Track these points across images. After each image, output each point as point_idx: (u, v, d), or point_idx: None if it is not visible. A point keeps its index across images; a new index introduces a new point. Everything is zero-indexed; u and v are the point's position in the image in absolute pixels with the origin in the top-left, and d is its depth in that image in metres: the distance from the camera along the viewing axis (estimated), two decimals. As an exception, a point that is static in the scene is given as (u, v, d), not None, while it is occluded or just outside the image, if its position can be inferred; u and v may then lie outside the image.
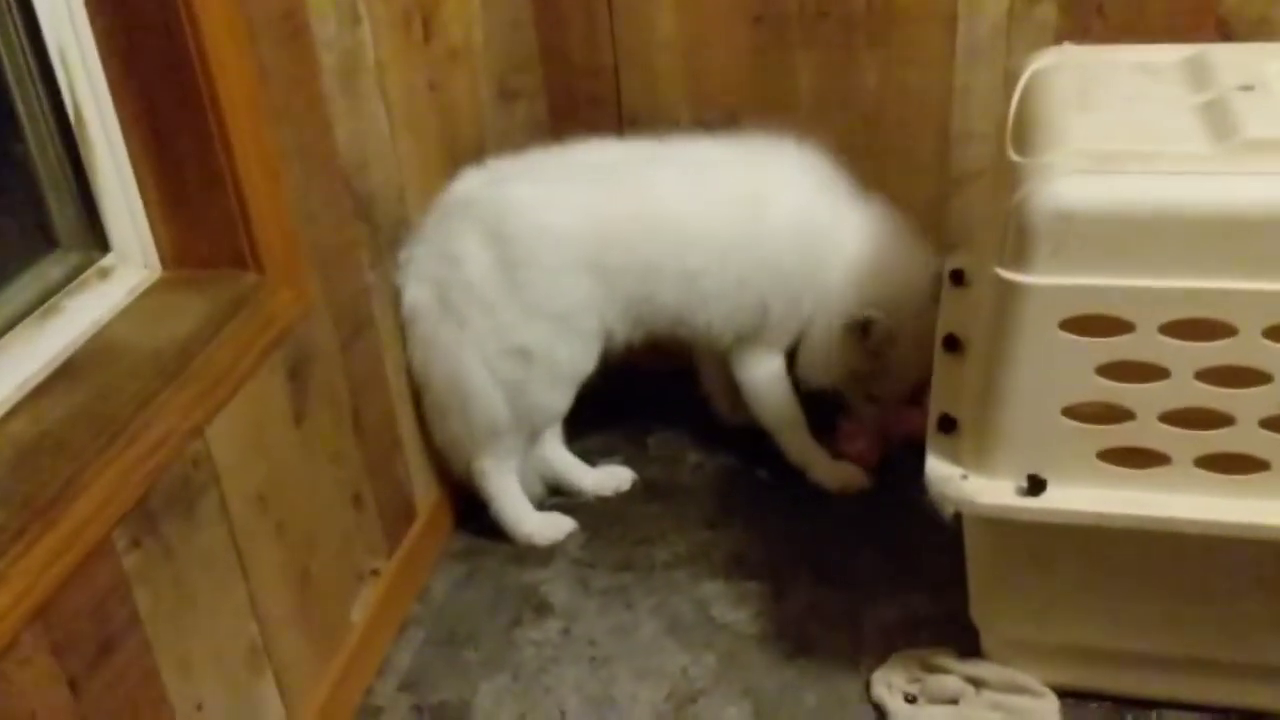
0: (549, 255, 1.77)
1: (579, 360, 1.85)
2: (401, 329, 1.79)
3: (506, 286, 1.76)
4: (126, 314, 1.34)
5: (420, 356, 1.80)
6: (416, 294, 1.77)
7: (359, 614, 1.66)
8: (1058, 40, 1.79)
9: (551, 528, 1.94)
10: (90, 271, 1.35)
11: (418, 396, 1.85)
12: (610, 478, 2.03)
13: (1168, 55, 1.52)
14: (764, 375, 1.96)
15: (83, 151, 1.32)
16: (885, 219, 1.88)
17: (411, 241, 1.78)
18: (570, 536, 1.92)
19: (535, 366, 1.81)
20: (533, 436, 1.94)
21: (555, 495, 2.02)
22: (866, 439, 1.99)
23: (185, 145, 1.32)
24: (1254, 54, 1.47)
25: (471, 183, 1.84)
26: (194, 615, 1.29)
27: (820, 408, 2.00)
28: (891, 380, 1.90)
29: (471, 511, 1.98)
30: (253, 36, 1.36)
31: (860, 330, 1.83)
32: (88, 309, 1.32)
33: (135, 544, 1.19)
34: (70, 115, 1.30)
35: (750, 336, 1.92)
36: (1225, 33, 1.83)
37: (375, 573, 1.71)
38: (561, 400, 1.89)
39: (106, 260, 1.37)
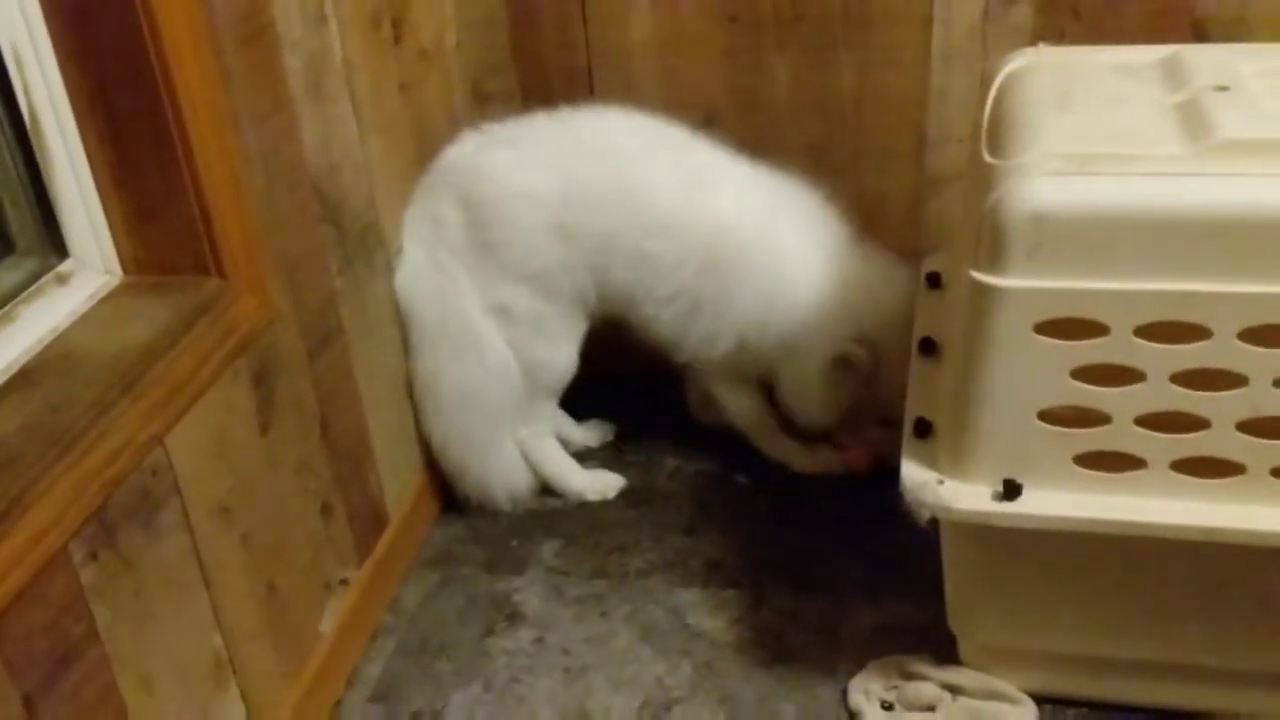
0: (518, 216, 1.81)
1: (564, 318, 1.87)
2: (398, 313, 1.83)
3: (481, 248, 1.82)
4: (85, 321, 1.31)
5: (433, 314, 1.83)
6: (412, 256, 1.83)
7: (328, 624, 1.63)
8: (1034, 42, 1.77)
9: (601, 483, 1.99)
10: (48, 277, 1.32)
11: (407, 385, 1.86)
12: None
13: (1144, 56, 1.51)
14: (730, 390, 1.98)
15: (38, 153, 1.29)
16: (865, 251, 1.87)
17: (408, 204, 1.85)
18: (545, 544, 1.90)
19: (519, 325, 1.85)
20: (552, 395, 1.96)
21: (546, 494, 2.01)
22: (861, 447, 1.96)
23: (145, 148, 1.29)
24: (1229, 54, 1.46)
25: (461, 147, 1.88)
26: (155, 629, 1.26)
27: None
28: (891, 399, 1.85)
29: (444, 519, 1.96)
30: (214, 37, 1.33)
31: (845, 365, 1.82)
32: (45, 316, 1.29)
33: (92, 556, 1.16)
34: (25, 116, 1.27)
35: (705, 363, 1.90)
36: (1201, 34, 1.82)
37: (345, 582, 1.68)
38: (560, 355, 1.90)
39: (65, 266, 1.34)
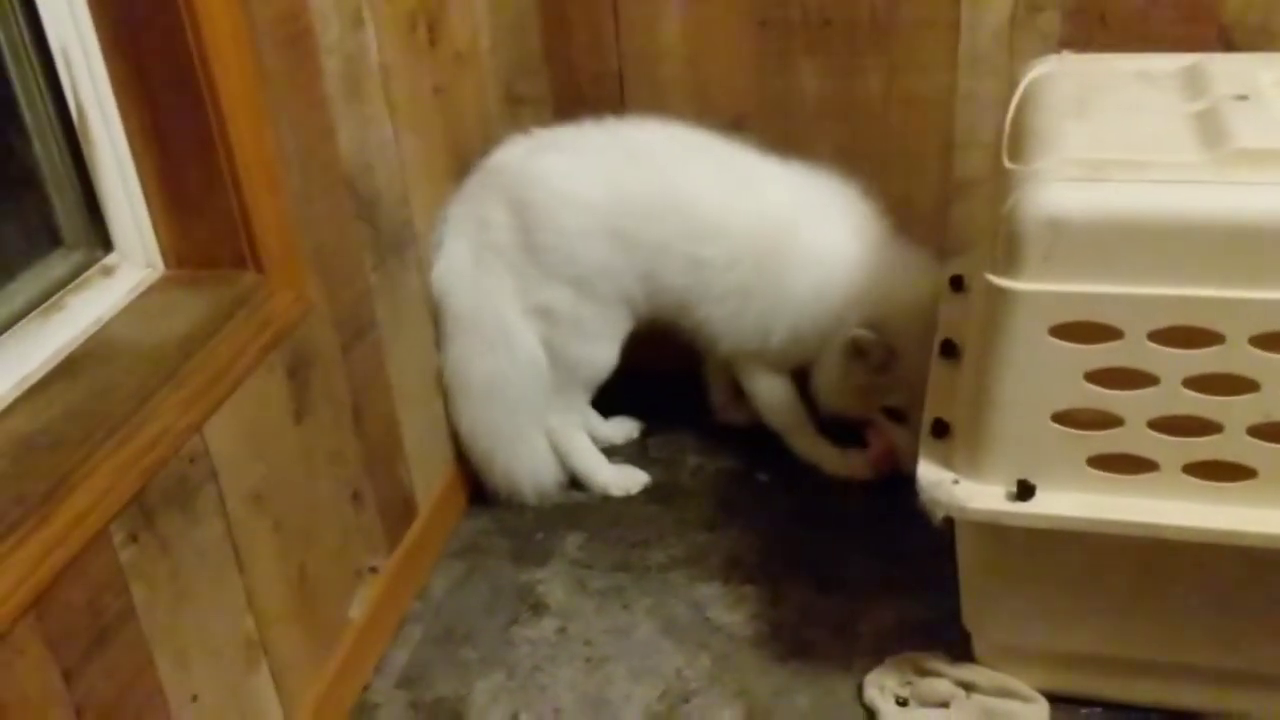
0: (566, 220, 1.86)
1: (605, 319, 1.93)
2: (430, 304, 1.88)
3: (527, 250, 1.87)
4: (128, 312, 1.36)
5: (468, 306, 1.88)
6: (454, 249, 1.88)
7: (357, 611, 1.68)
8: (1060, 48, 1.79)
9: (626, 479, 2.03)
10: (93, 270, 1.38)
11: (438, 379, 1.91)
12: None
13: (1166, 64, 1.53)
14: (767, 386, 2.01)
15: (86, 151, 1.34)
16: (893, 244, 1.90)
17: (451, 202, 1.91)
18: (569, 537, 1.94)
19: (560, 325, 1.91)
20: (588, 390, 2.01)
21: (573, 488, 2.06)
22: (881, 447, 1.97)
23: (186, 146, 1.35)
24: (1250, 63, 1.48)
25: (511, 150, 1.93)
26: (190, 609, 1.31)
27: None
28: (906, 391, 1.87)
29: (472, 511, 2.00)
30: (254, 39, 1.38)
31: (856, 351, 1.84)
32: (90, 306, 1.34)
33: (132, 538, 1.21)
34: (74, 115, 1.33)
35: (752, 354, 1.95)
36: (1227, 41, 1.83)
37: (374, 570, 1.73)
38: (601, 354, 1.96)
39: (110, 259, 1.40)
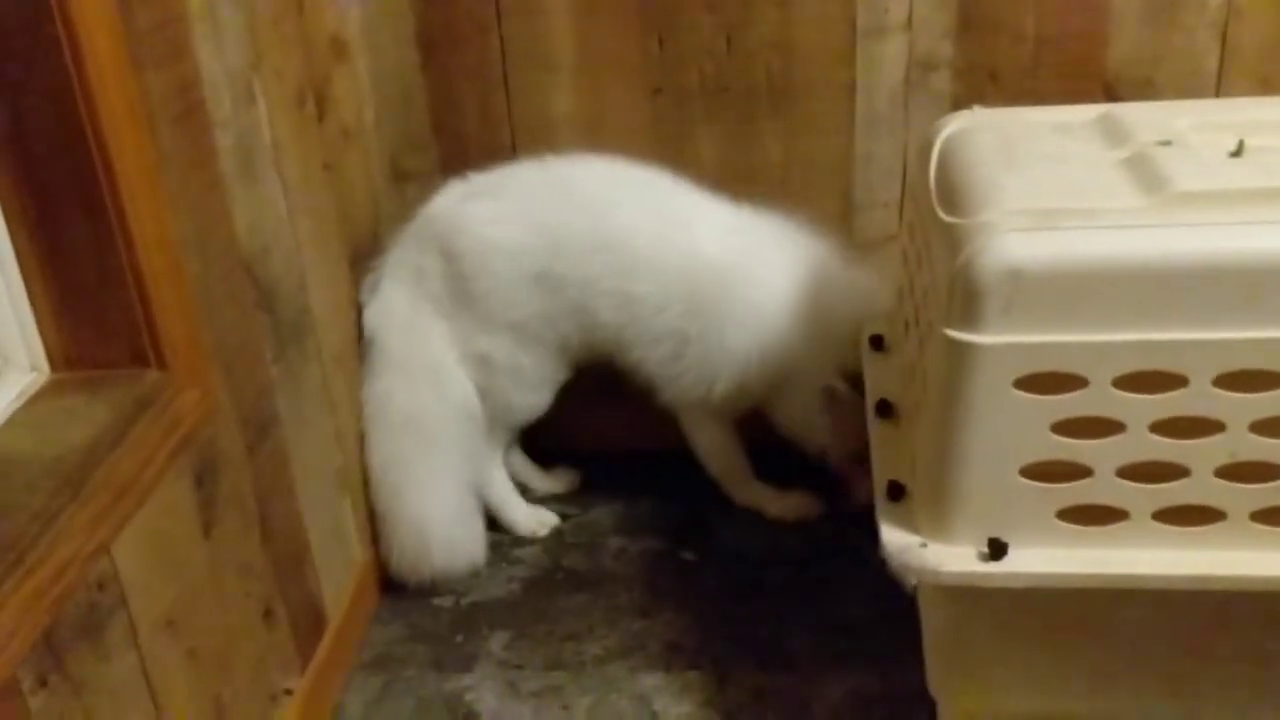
0: (497, 269, 1.83)
1: (544, 367, 1.90)
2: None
3: (463, 299, 1.85)
4: (14, 423, 1.20)
5: (399, 346, 1.84)
6: (390, 293, 1.86)
7: (275, 740, 1.51)
8: (954, 107, 1.82)
9: (535, 520, 2.03)
10: (-34, 379, 1.21)
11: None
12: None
13: (1076, 115, 1.55)
14: (710, 437, 1.98)
15: (-44, 245, 1.19)
16: (848, 279, 1.87)
17: (386, 249, 1.89)
18: (493, 637, 1.81)
19: (498, 373, 1.87)
20: (513, 431, 2.00)
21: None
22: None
23: (80, 235, 1.20)
24: (1161, 112, 1.50)
25: (445, 196, 1.90)
26: (104, 759, 1.14)
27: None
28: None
29: (383, 617, 1.86)
30: (150, 114, 1.25)
31: (831, 400, 1.82)
32: (-31, 420, 1.18)
33: (41, 683, 1.04)
34: (-55, 206, 1.17)
35: (696, 403, 1.90)
36: (1112, 95, 1.88)
37: (289, 692, 1.57)
38: (536, 399, 1.94)
39: (-15, 365, 1.23)
